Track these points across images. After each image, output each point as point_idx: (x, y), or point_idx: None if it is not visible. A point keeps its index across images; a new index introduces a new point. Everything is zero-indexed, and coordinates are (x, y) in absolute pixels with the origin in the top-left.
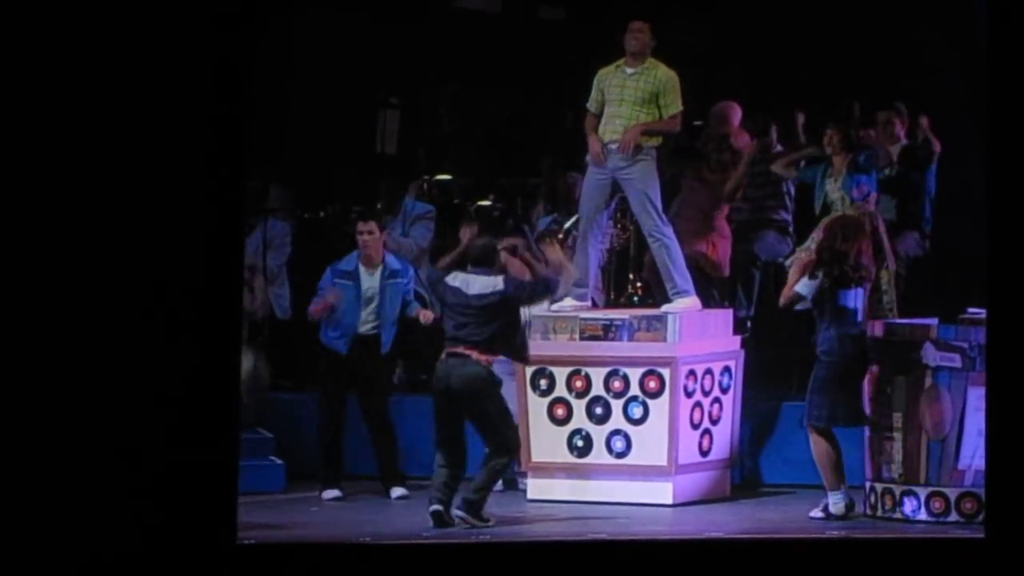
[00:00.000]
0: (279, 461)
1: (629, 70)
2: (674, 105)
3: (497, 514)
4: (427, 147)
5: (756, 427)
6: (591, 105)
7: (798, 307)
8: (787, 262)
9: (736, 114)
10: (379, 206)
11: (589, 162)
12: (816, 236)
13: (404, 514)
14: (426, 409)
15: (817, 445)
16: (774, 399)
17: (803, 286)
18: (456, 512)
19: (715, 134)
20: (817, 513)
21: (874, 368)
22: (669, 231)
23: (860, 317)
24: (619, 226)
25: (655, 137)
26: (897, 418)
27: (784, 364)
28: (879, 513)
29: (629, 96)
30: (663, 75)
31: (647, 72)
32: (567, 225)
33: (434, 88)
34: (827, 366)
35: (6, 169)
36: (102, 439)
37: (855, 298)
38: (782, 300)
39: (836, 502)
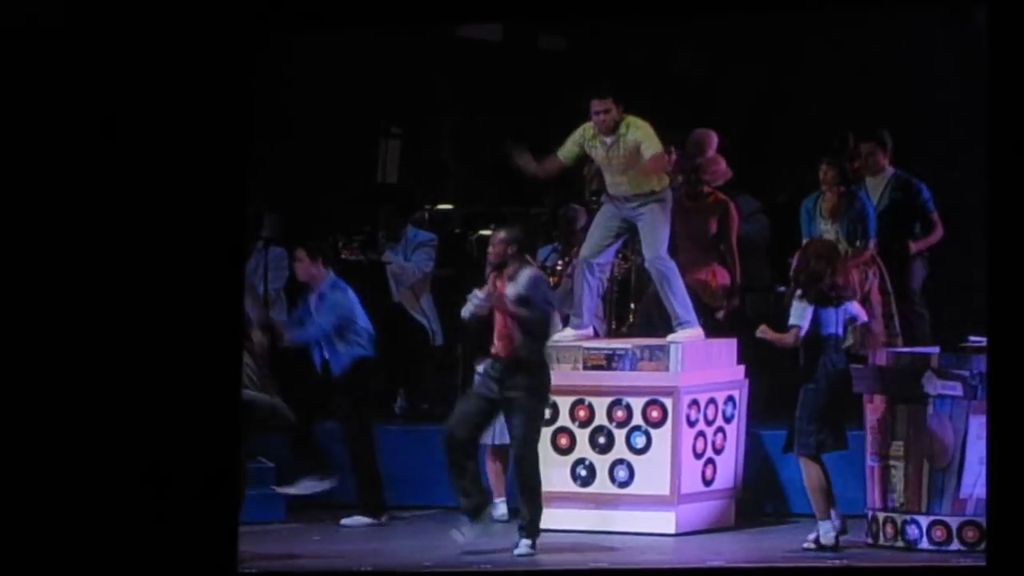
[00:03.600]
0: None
1: (607, 139)
2: (651, 148)
3: (500, 544)
4: (428, 176)
5: (760, 455)
6: (562, 154)
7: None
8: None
9: (712, 142)
10: (380, 234)
11: (603, 200)
12: (792, 263)
13: (406, 543)
14: (427, 438)
15: (809, 473)
16: (779, 427)
17: (796, 316)
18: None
19: (691, 163)
20: (809, 544)
21: (875, 397)
22: (670, 263)
23: (840, 332)
24: (620, 256)
25: (664, 177)
26: (898, 447)
27: (790, 391)
28: (881, 541)
29: (617, 165)
30: (635, 134)
31: (621, 138)
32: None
33: (435, 117)
34: (813, 392)
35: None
36: (104, 469)
37: (836, 323)
38: (791, 340)
39: (826, 532)
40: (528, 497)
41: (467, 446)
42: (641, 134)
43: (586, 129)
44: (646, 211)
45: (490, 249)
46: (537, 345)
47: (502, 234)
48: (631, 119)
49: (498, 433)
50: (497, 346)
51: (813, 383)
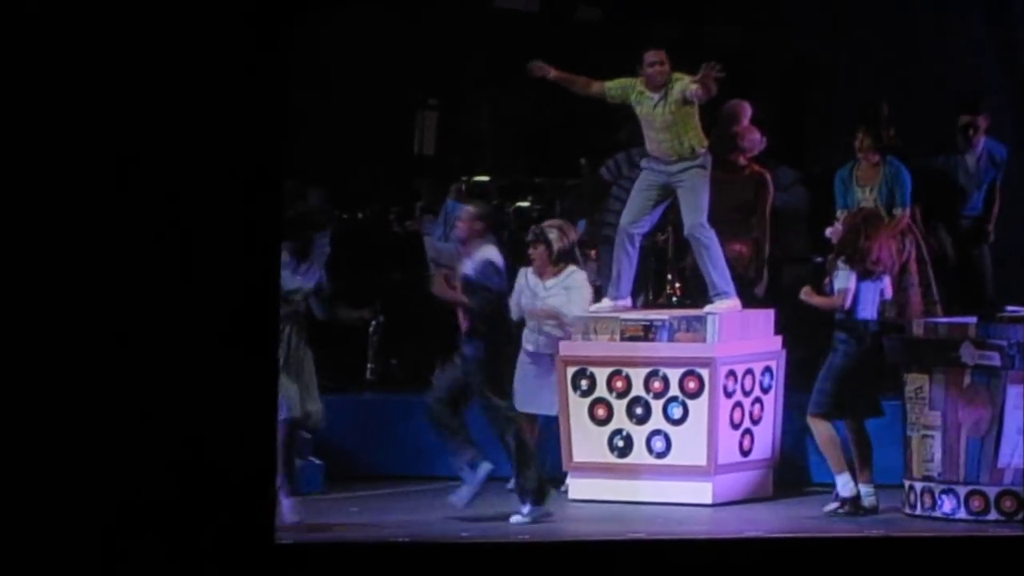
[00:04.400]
0: (318, 462)
1: (653, 96)
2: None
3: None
4: (465, 148)
5: (798, 425)
6: (609, 89)
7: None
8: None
9: (746, 112)
10: (419, 206)
11: (642, 164)
12: (835, 229)
13: (437, 513)
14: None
15: (820, 431)
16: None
17: (842, 279)
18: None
19: (725, 134)
20: (831, 506)
21: (913, 366)
22: (711, 233)
23: (875, 311)
24: (658, 227)
25: (705, 139)
26: (935, 416)
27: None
28: (918, 511)
29: (660, 122)
30: (682, 86)
31: (669, 95)
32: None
33: (472, 89)
34: (843, 355)
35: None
36: (140, 440)
37: (873, 291)
38: (839, 303)
39: (844, 483)
40: (517, 462)
41: (443, 410)
42: (687, 86)
43: (636, 82)
44: (687, 176)
45: (458, 223)
46: (487, 323)
47: (470, 209)
48: (680, 75)
49: (526, 399)
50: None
51: (843, 346)
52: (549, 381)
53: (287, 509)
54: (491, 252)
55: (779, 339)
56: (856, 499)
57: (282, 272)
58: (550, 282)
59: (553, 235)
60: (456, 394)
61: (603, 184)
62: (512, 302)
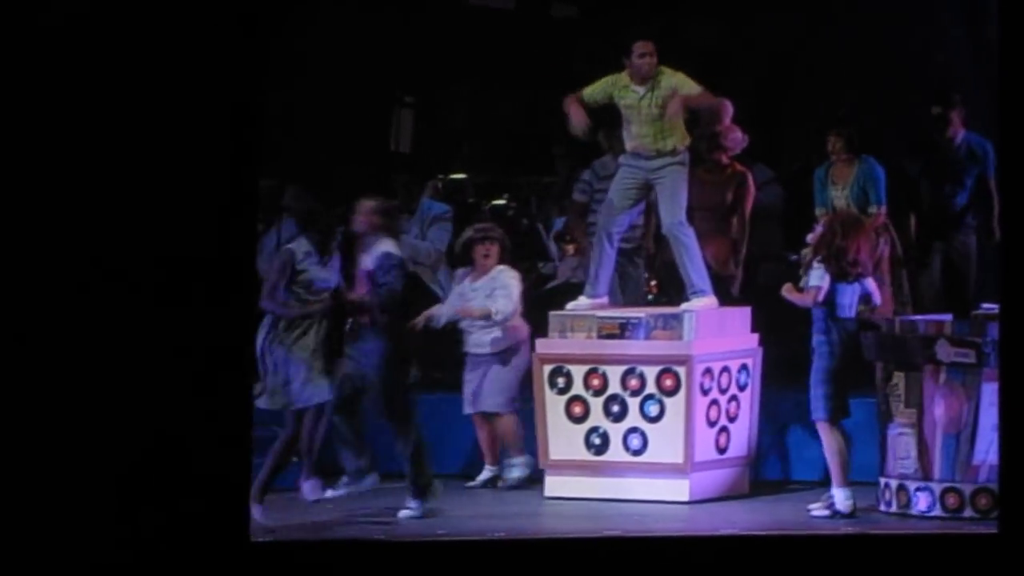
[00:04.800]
0: (293, 459)
1: (639, 89)
2: (696, 89)
3: (514, 511)
4: (441, 145)
5: (774, 423)
6: (588, 96)
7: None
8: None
9: (727, 111)
10: (395, 204)
11: (620, 161)
12: (816, 231)
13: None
14: (441, 407)
15: (830, 439)
16: (792, 395)
17: (815, 277)
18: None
19: (706, 133)
20: (820, 510)
21: (888, 364)
22: (689, 231)
23: (853, 312)
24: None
25: (686, 136)
26: (911, 414)
27: (804, 359)
28: (894, 509)
29: (646, 116)
30: (669, 83)
31: (655, 88)
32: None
33: (449, 86)
34: (826, 358)
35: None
36: (115, 438)
37: (851, 293)
38: (811, 301)
39: (845, 499)
40: (412, 458)
41: (337, 416)
42: (678, 80)
43: (618, 78)
44: (666, 173)
45: (357, 217)
46: (387, 316)
47: (368, 203)
48: (665, 69)
49: (474, 400)
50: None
51: (827, 348)
52: (496, 380)
53: (308, 490)
54: (388, 245)
55: (755, 337)
56: (851, 515)
57: (309, 266)
58: (479, 283)
59: (501, 234)
60: (350, 396)
61: (579, 204)
62: (446, 305)
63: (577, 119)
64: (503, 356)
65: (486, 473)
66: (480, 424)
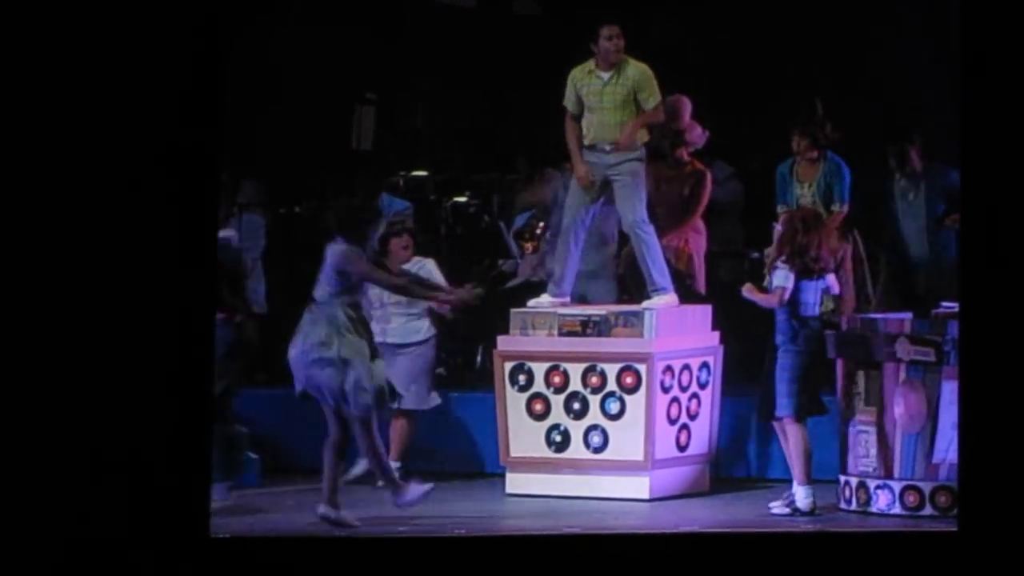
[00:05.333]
0: (254, 456)
1: (604, 75)
2: (653, 97)
3: (474, 508)
4: (403, 143)
5: (735, 421)
6: (569, 105)
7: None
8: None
9: (686, 108)
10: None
11: (575, 176)
12: (777, 229)
13: (381, 508)
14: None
15: (793, 437)
16: (754, 392)
17: (780, 277)
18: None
19: (668, 130)
20: (781, 508)
21: (848, 362)
22: (650, 228)
23: (817, 309)
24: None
25: (643, 132)
26: (871, 412)
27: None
28: (853, 507)
29: (609, 102)
30: (636, 72)
31: (621, 74)
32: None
33: (410, 83)
34: (793, 355)
35: None
36: (75, 434)
37: (814, 290)
38: (775, 302)
39: (805, 496)
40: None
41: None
42: (643, 78)
43: (577, 72)
44: (624, 169)
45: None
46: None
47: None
48: (631, 59)
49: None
50: None
51: (793, 345)
52: (394, 372)
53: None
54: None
55: (716, 335)
56: (811, 512)
57: None
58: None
59: (412, 225)
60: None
61: (542, 179)
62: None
63: (580, 174)
64: (422, 348)
65: (361, 466)
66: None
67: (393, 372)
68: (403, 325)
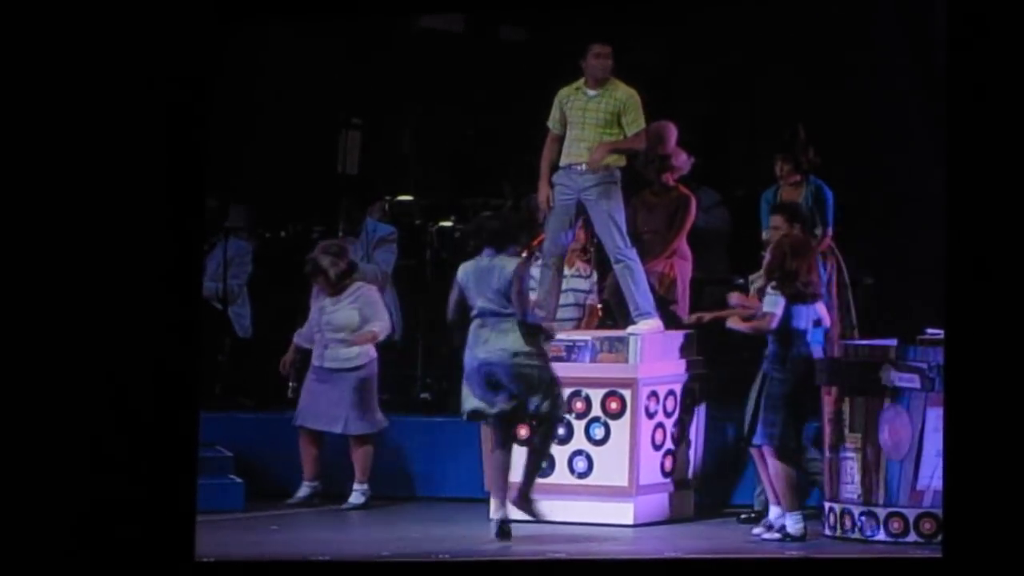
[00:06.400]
0: (238, 480)
1: (591, 92)
2: (636, 123)
3: (459, 533)
4: (388, 167)
5: (720, 446)
6: (552, 125)
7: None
8: (752, 285)
9: (672, 133)
10: (340, 226)
11: (553, 180)
12: (765, 257)
13: (365, 532)
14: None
15: (778, 466)
16: (738, 418)
17: (770, 303)
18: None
19: (653, 156)
20: (771, 534)
21: (833, 389)
22: (633, 253)
23: (809, 336)
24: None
25: (620, 157)
26: (856, 439)
27: (748, 384)
28: (838, 533)
29: (592, 119)
30: (624, 95)
31: (608, 93)
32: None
33: (396, 108)
34: (780, 383)
35: None
36: (59, 458)
37: (806, 317)
38: (764, 325)
39: (796, 522)
40: None
41: None
42: (630, 102)
43: (564, 89)
44: (597, 192)
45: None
46: None
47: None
48: (621, 84)
49: (321, 417)
50: None
51: (779, 374)
52: (335, 397)
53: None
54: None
55: (700, 360)
56: (802, 538)
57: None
58: (337, 298)
59: (326, 262)
60: None
61: (529, 206)
62: (310, 323)
63: (541, 197)
64: (360, 372)
65: (305, 490)
66: (309, 440)
67: (336, 397)
68: (335, 351)
